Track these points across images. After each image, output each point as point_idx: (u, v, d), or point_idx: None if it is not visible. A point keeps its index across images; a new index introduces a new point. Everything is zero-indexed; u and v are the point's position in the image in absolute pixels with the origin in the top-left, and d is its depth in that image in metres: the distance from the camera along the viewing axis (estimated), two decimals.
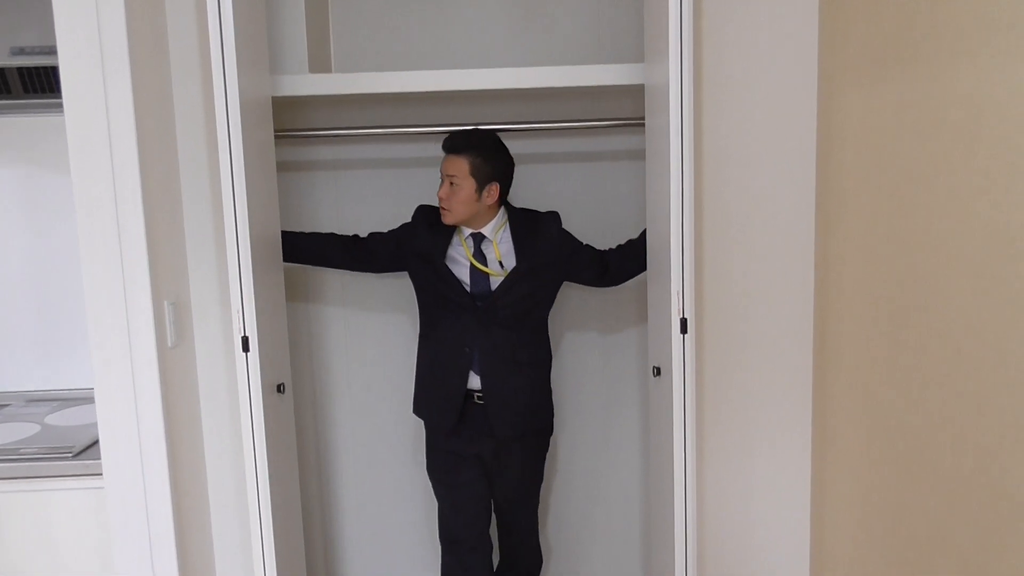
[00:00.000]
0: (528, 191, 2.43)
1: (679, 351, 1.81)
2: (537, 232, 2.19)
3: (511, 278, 2.15)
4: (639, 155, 2.35)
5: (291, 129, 2.29)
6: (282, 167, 2.41)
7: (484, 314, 2.15)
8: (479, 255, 2.18)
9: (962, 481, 1.46)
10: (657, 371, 2.01)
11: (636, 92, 2.12)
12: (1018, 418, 1.28)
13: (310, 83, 2.14)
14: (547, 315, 2.27)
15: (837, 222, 2.02)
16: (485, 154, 2.09)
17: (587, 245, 2.24)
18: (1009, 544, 1.32)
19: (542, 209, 2.28)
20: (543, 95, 2.37)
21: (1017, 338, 1.28)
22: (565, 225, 2.23)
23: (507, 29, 2.42)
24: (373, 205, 2.47)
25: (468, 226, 2.17)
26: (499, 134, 2.17)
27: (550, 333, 2.30)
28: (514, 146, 2.19)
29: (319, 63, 2.31)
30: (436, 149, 2.43)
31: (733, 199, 2.16)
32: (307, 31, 2.21)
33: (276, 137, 2.12)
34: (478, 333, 2.15)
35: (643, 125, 2.09)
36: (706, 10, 2.09)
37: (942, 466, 1.52)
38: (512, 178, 2.18)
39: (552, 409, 2.32)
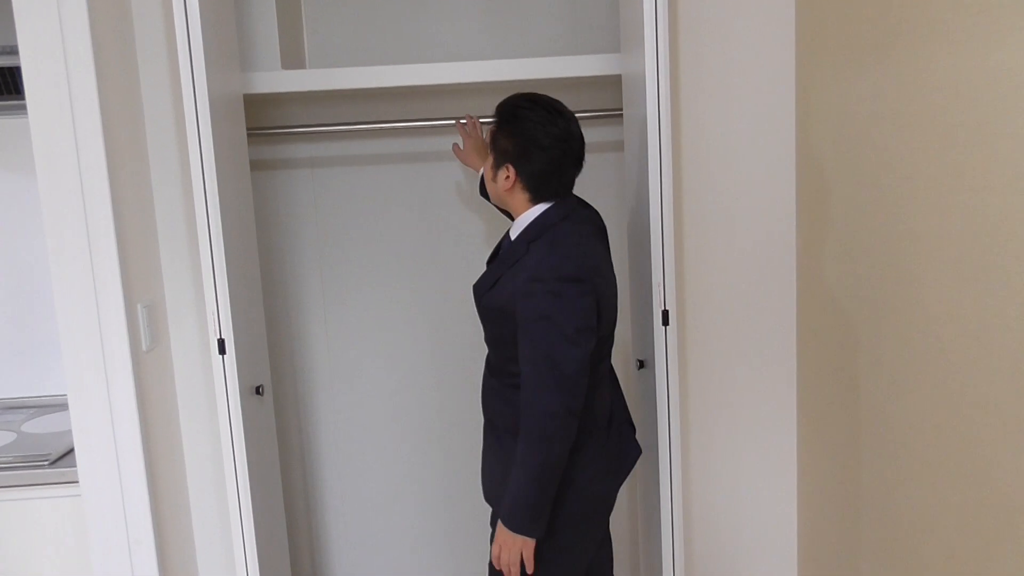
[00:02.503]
0: None
1: (661, 344, 1.79)
2: (526, 253, 1.62)
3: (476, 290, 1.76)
4: (620, 146, 2.33)
5: (265, 127, 2.26)
6: (257, 165, 2.38)
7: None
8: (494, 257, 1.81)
9: (946, 472, 1.45)
10: (641, 364, 1.99)
11: (615, 83, 2.10)
12: (1000, 408, 1.27)
13: (283, 80, 2.11)
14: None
15: (818, 211, 2.00)
16: (503, 125, 1.66)
17: (535, 323, 1.54)
18: (994, 535, 1.31)
19: None
20: (523, 87, 2.34)
21: (997, 327, 1.26)
22: None
23: (483, 22, 2.39)
24: (351, 202, 2.44)
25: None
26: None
27: None
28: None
29: (292, 59, 2.28)
30: (414, 144, 2.41)
31: (713, 190, 2.14)
32: (279, 26, 2.17)
33: (249, 135, 2.09)
34: None
35: (622, 115, 2.07)
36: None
37: (926, 456, 1.51)
38: (543, 165, 1.62)
39: None
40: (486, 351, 2.49)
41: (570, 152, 1.64)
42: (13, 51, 1.80)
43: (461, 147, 2.19)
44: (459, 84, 2.13)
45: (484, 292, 1.70)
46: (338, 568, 2.63)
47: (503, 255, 1.71)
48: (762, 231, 2.15)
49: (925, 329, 1.49)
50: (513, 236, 1.69)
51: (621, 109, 2.07)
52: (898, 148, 1.56)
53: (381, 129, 2.35)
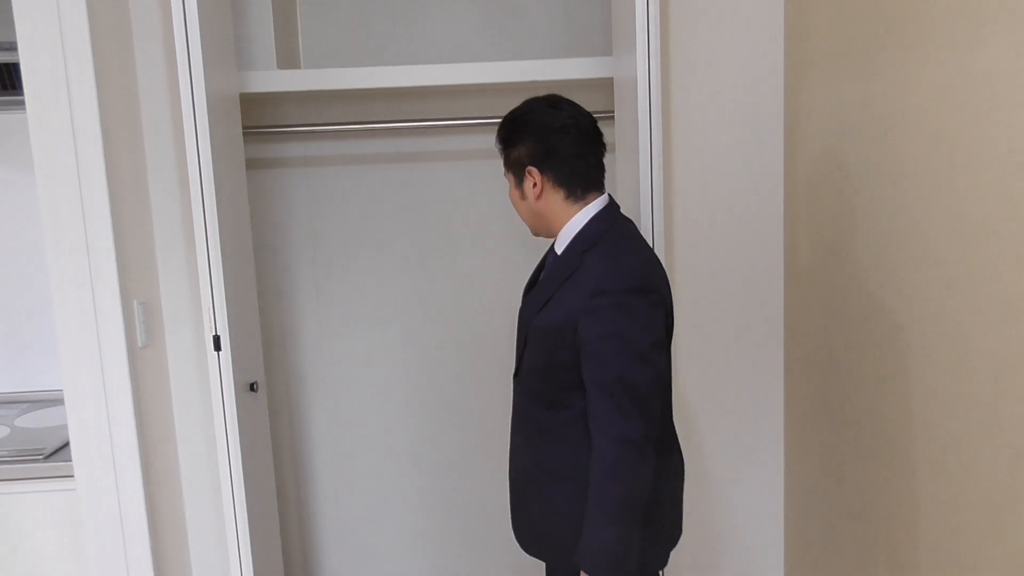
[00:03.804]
0: (499, 185, 2.43)
1: None
2: (581, 265, 1.46)
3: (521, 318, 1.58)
4: (611, 147, 2.36)
5: (260, 125, 2.28)
6: (252, 164, 2.40)
7: None
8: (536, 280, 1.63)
9: (931, 471, 1.48)
10: None
11: (607, 85, 2.13)
12: (982, 407, 1.30)
13: (279, 79, 2.13)
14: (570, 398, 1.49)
15: (805, 213, 2.03)
16: (507, 137, 1.54)
17: (602, 342, 1.38)
18: (977, 532, 1.34)
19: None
20: (516, 89, 2.35)
21: (980, 328, 1.30)
22: None
23: (477, 24, 2.42)
24: (344, 201, 2.46)
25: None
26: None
27: None
28: (481, 140, 2.17)
29: (288, 59, 2.30)
30: (408, 145, 2.43)
31: (702, 192, 2.17)
32: (275, 26, 2.20)
33: (245, 134, 2.11)
34: None
35: (614, 118, 2.10)
36: (673, 3, 2.10)
37: (911, 456, 1.55)
38: (564, 150, 1.48)
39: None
40: (479, 348, 2.52)
41: (585, 129, 1.50)
42: (12, 47, 1.81)
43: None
44: (452, 85, 2.15)
45: (534, 315, 1.51)
46: (328, 563, 2.64)
47: (551, 271, 1.53)
48: (750, 233, 2.18)
49: (910, 330, 1.53)
50: (560, 249, 1.52)
51: (612, 111, 2.10)
52: (885, 151, 1.60)
53: (375, 129, 2.37)
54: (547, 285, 1.52)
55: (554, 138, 1.48)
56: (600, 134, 1.54)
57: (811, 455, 2.08)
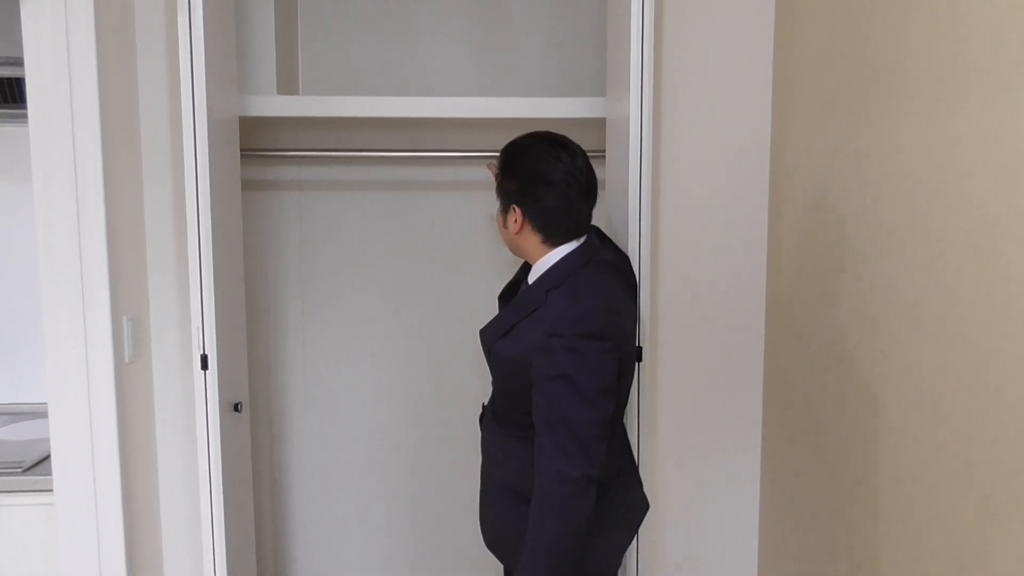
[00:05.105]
0: (486, 217, 2.47)
1: (635, 379, 1.85)
2: (545, 303, 1.51)
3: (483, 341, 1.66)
4: (601, 184, 2.41)
5: (257, 148, 2.31)
6: (247, 185, 2.42)
7: None
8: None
9: (905, 513, 1.52)
10: None
11: (599, 124, 2.18)
12: (953, 455, 1.34)
13: (278, 104, 2.16)
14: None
15: (787, 257, 2.09)
16: (506, 166, 1.60)
17: (552, 382, 1.44)
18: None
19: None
20: (508, 125, 2.41)
21: (954, 381, 1.34)
22: None
23: (473, 58, 2.47)
24: (334, 226, 2.49)
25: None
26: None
27: None
28: (472, 172, 2.20)
29: (287, 84, 2.33)
30: (399, 173, 2.47)
31: (688, 232, 2.22)
32: (277, 53, 2.23)
33: (241, 155, 2.13)
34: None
35: (604, 156, 2.15)
36: (666, 50, 2.16)
37: (884, 496, 1.58)
38: (550, 202, 1.53)
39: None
40: (464, 376, 2.54)
41: (577, 185, 1.53)
42: (16, 62, 1.84)
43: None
44: (449, 118, 2.19)
45: (496, 339, 1.59)
46: None
47: (519, 301, 1.61)
48: (733, 273, 2.24)
49: (885, 376, 1.57)
50: (531, 280, 1.60)
51: (603, 150, 2.15)
52: (864, 202, 1.65)
53: (368, 157, 2.40)
54: (512, 313, 1.58)
55: (542, 189, 1.53)
56: (594, 186, 1.58)
57: (786, 497, 2.11)
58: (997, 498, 1.23)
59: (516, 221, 1.56)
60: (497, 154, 1.66)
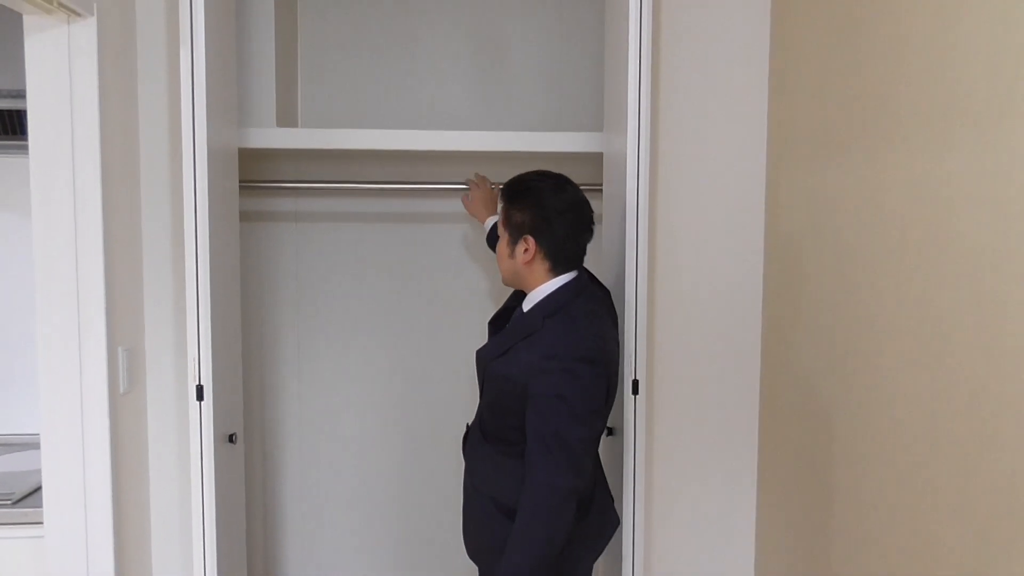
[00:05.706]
0: (481, 248, 2.48)
1: (631, 412, 1.85)
2: (542, 328, 1.63)
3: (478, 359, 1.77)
4: (598, 219, 2.42)
5: (255, 180, 2.32)
6: (244, 216, 2.42)
7: None
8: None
9: (902, 548, 1.51)
10: (609, 431, 2.04)
11: (595, 158, 2.19)
12: (950, 488, 1.35)
13: (277, 137, 2.18)
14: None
15: (783, 295, 2.10)
16: (516, 200, 1.70)
17: (547, 400, 1.55)
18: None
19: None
20: (505, 158, 2.44)
21: (949, 412, 1.35)
22: None
23: (471, 92, 2.49)
24: (331, 258, 2.49)
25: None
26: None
27: None
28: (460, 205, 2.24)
29: (286, 117, 2.35)
30: (396, 205, 2.48)
31: (686, 268, 2.24)
32: (276, 85, 2.25)
33: (240, 187, 2.14)
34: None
35: (601, 191, 2.16)
36: (663, 87, 2.19)
37: (881, 531, 1.58)
38: (562, 231, 1.66)
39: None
40: (458, 411, 2.53)
41: (583, 217, 1.69)
42: (18, 95, 1.85)
43: (469, 199, 2.25)
44: (447, 151, 2.21)
45: (492, 359, 1.69)
46: None
47: (515, 325, 1.71)
48: (729, 310, 2.25)
49: (880, 411, 1.58)
50: (526, 307, 1.70)
51: (600, 184, 2.16)
52: (858, 241, 1.67)
53: (366, 189, 2.42)
54: (509, 336, 1.69)
55: (556, 219, 1.66)
56: (593, 222, 1.72)
57: (781, 532, 2.10)
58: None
59: (527, 251, 1.67)
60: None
